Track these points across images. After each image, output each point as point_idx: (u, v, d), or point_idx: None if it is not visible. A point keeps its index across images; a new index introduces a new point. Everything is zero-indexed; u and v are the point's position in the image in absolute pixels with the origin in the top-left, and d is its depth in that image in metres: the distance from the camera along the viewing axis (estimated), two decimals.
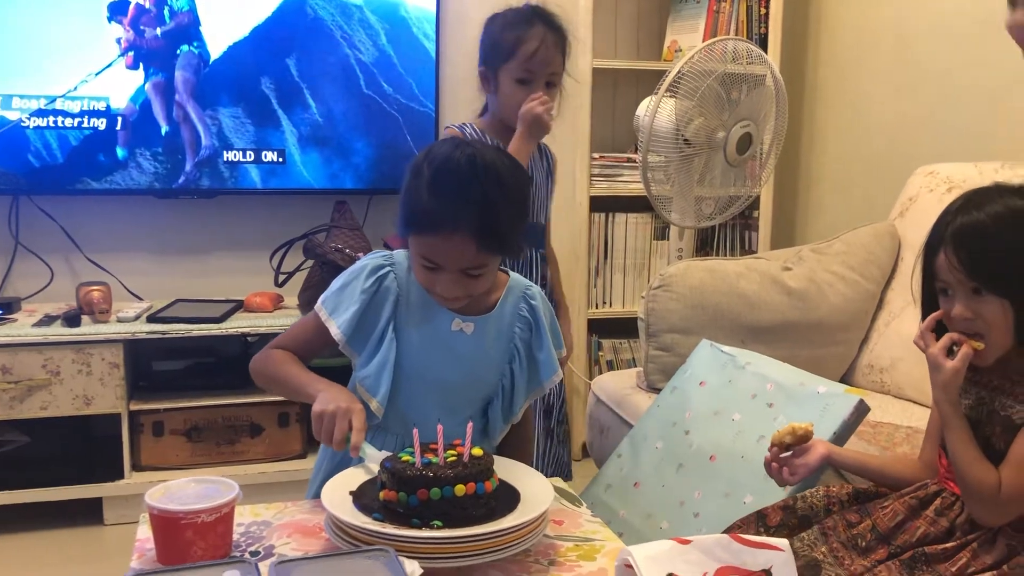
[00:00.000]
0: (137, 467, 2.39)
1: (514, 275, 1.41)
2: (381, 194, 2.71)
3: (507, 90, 1.81)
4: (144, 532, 1.17)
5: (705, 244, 2.99)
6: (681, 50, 2.82)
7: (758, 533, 1.36)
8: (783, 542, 0.89)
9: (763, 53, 2.39)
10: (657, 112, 2.29)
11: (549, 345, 1.37)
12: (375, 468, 1.19)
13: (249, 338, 2.51)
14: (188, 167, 2.58)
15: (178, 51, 2.53)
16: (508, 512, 1.11)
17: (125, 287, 2.62)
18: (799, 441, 1.37)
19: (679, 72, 2.26)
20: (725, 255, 2.95)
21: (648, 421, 1.82)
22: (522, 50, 1.78)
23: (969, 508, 1.26)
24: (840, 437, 1.49)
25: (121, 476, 2.35)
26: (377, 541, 1.04)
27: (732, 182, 2.46)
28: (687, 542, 0.86)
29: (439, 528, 1.07)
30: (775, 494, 1.46)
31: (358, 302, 1.31)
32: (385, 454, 1.19)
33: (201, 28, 2.54)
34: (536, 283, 1.50)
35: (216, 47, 2.55)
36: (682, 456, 1.68)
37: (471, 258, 1.24)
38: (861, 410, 1.51)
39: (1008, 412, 1.25)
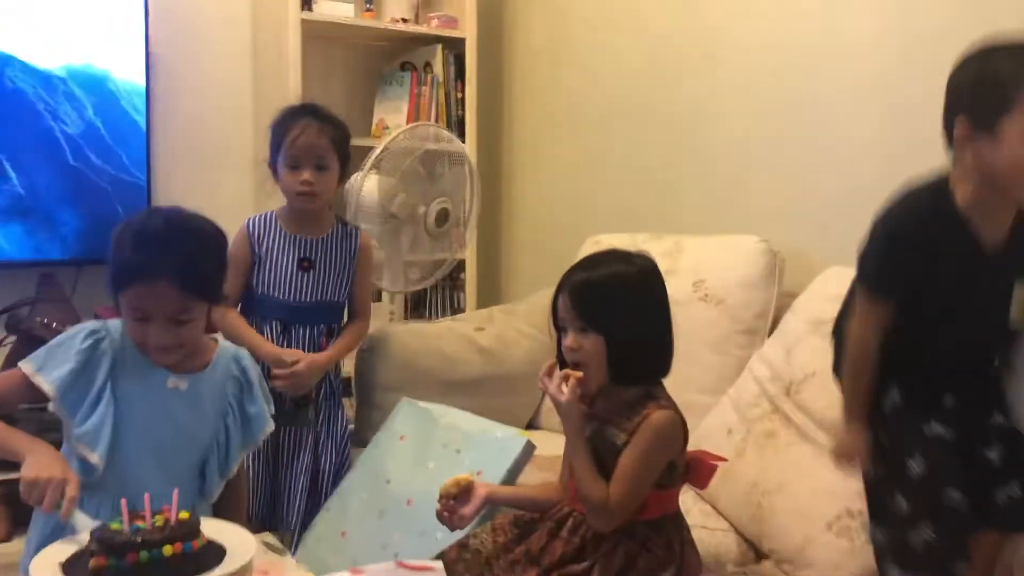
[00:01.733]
0: None
1: (223, 341, 1.56)
2: (91, 264, 2.69)
3: (282, 175, 2.07)
4: None
5: (418, 305, 3.23)
6: (388, 128, 3.07)
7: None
8: (437, 564, 1.10)
9: (453, 136, 2.69)
10: (364, 187, 2.51)
11: (261, 401, 1.53)
12: (86, 536, 1.27)
13: None
14: None
15: None
16: (214, 567, 1.25)
17: None
18: (463, 492, 1.60)
19: (383, 150, 2.49)
20: (436, 314, 3.21)
21: (355, 474, 2.00)
22: (288, 139, 2.03)
23: (588, 519, 1.53)
24: (513, 472, 1.76)
25: None
26: None
27: (436, 249, 2.73)
28: (361, 572, 1.05)
29: None
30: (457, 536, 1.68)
31: (73, 361, 1.40)
32: (97, 523, 1.28)
33: None
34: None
35: None
36: (383, 503, 1.87)
37: (176, 302, 1.39)
38: (528, 449, 1.79)
39: (614, 440, 1.55)
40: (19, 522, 2.29)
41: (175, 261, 1.37)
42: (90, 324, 1.46)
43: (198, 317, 1.44)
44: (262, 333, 2.08)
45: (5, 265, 2.59)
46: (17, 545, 1.53)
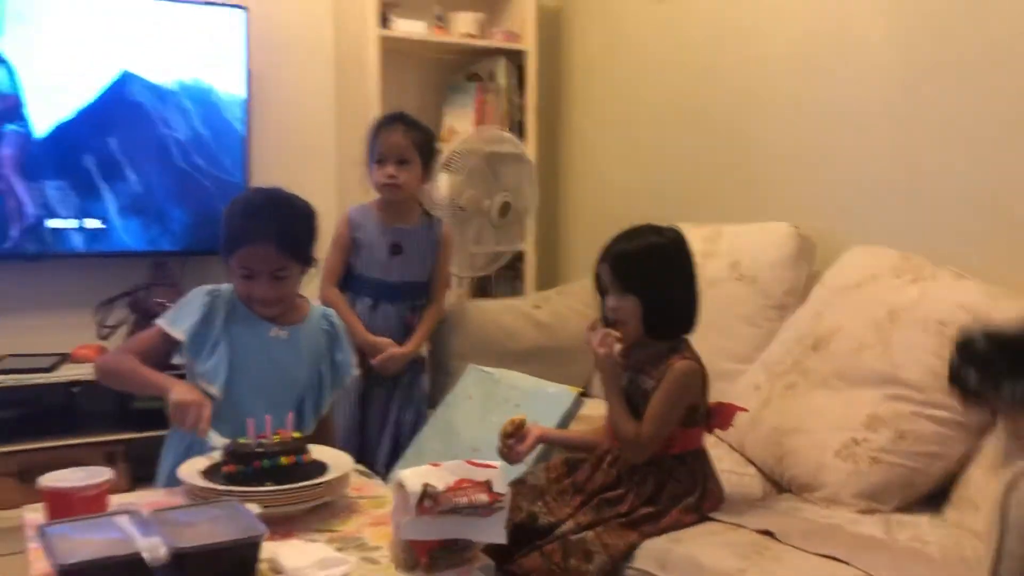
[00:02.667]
0: None
1: (314, 303, 1.89)
2: (196, 255, 3.06)
3: (372, 170, 2.43)
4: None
5: (484, 293, 3.52)
6: (456, 133, 3.38)
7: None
8: (498, 463, 1.39)
9: (514, 138, 2.98)
10: (436, 185, 2.83)
11: (348, 351, 1.85)
12: (218, 447, 1.58)
13: (74, 388, 2.77)
14: (13, 233, 2.83)
15: (2, 129, 2.81)
16: (319, 476, 1.56)
17: None
18: (518, 429, 1.89)
19: (451, 152, 2.81)
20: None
21: (429, 428, 2.31)
22: (378, 140, 2.41)
23: (623, 452, 1.81)
24: (564, 421, 2.04)
25: None
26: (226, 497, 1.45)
27: (498, 241, 3.03)
28: (438, 465, 1.34)
29: (270, 486, 1.50)
30: (515, 471, 1.97)
31: (197, 313, 1.75)
32: (226, 440, 1.60)
33: (25, 109, 2.83)
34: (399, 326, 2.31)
35: (42, 126, 2.84)
36: (454, 452, 2.16)
37: (275, 260, 1.73)
38: (578, 402, 2.07)
39: (644, 386, 1.82)
40: (137, 478, 2.65)
41: (274, 227, 1.73)
42: (207, 287, 1.80)
43: (293, 275, 1.78)
44: (355, 307, 2.42)
45: (126, 255, 2.97)
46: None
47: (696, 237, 2.64)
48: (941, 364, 1.80)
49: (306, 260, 1.81)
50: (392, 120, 2.44)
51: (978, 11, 2.17)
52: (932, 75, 2.28)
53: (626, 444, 1.79)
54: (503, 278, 3.50)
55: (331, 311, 1.92)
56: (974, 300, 1.86)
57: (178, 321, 1.76)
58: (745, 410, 1.89)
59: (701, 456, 1.85)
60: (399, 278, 2.47)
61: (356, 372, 1.91)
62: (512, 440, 1.89)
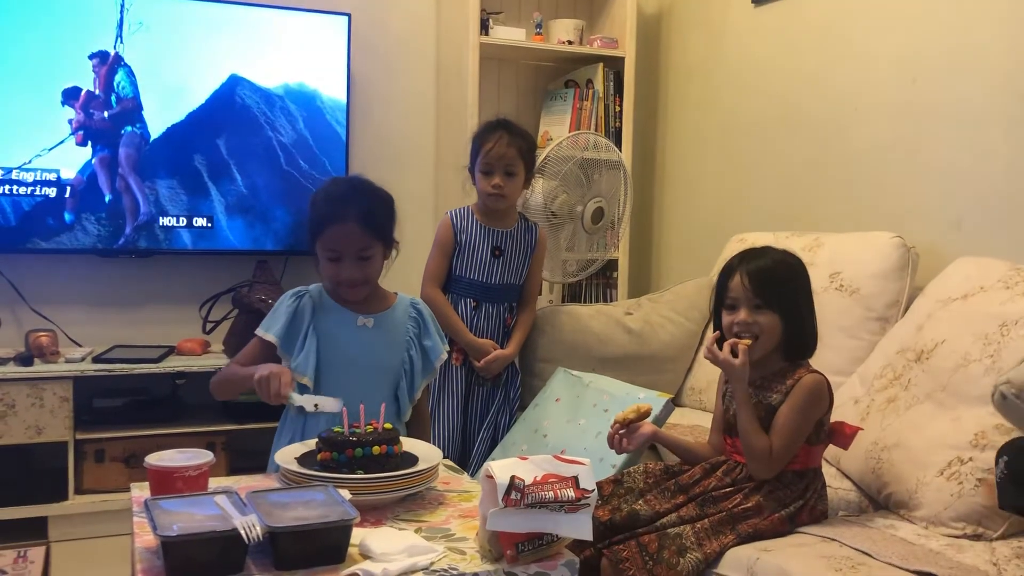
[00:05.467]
0: (79, 490, 2.72)
1: (402, 294, 1.93)
2: (297, 255, 3.15)
3: (478, 179, 2.47)
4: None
5: (575, 299, 3.53)
6: (552, 138, 3.39)
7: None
8: (586, 460, 1.38)
9: (610, 143, 2.98)
10: (531, 189, 2.84)
11: (435, 336, 1.88)
12: (307, 405, 1.65)
13: (178, 380, 2.89)
14: (128, 230, 2.97)
15: (122, 131, 2.95)
16: (409, 467, 1.58)
17: (67, 335, 2.97)
18: (640, 417, 1.89)
19: (545, 158, 2.82)
20: None
21: (516, 429, 2.32)
22: (483, 148, 2.43)
23: (750, 467, 1.79)
24: (657, 424, 2.01)
25: (65, 498, 2.67)
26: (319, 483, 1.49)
27: (590, 248, 3.03)
28: (526, 459, 1.35)
29: (361, 474, 1.53)
30: (607, 474, 1.96)
31: (284, 315, 1.82)
32: (308, 397, 1.66)
33: (143, 112, 2.97)
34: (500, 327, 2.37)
35: (156, 128, 2.98)
36: (540, 452, 2.16)
37: (360, 239, 1.79)
38: (669, 407, 2.05)
39: (769, 400, 1.80)
40: (236, 468, 2.74)
41: (357, 208, 1.80)
42: (293, 289, 1.89)
43: (377, 256, 1.84)
44: (458, 308, 2.46)
45: (231, 253, 3.08)
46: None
47: (796, 246, 2.59)
48: None
49: (388, 241, 1.87)
50: (496, 127, 2.47)
51: None
52: None
53: (756, 458, 1.77)
54: (596, 285, 3.50)
55: (418, 300, 1.97)
56: None
57: (270, 326, 1.84)
58: (861, 429, 1.84)
59: (818, 475, 1.83)
60: (500, 280, 2.50)
61: (444, 356, 1.94)
62: (625, 429, 1.88)
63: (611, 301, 3.51)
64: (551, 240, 2.91)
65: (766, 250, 1.89)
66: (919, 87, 2.52)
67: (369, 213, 1.81)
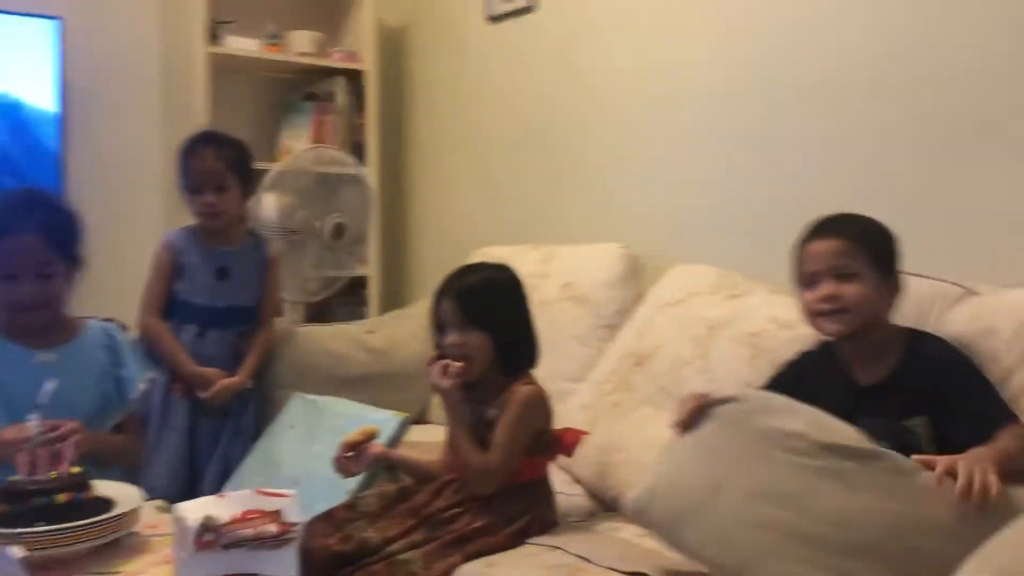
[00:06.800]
0: None
1: (93, 320, 1.76)
2: None
3: (189, 198, 2.31)
4: None
5: (323, 319, 3.41)
6: (292, 153, 3.28)
7: (326, 529, 1.79)
8: (290, 492, 1.31)
9: (349, 157, 2.92)
10: (263, 204, 2.72)
11: (132, 365, 1.73)
12: None
13: None
14: None
15: None
16: (101, 513, 1.43)
17: None
18: (368, 439, 1.83)
19: (280, 172, 2.71)
20: None
21: (250, 461, 2.20)
22: (190, 165, 2.28)
23: (471, 485, 1.78)
24: (392, 444, 1.97)
25: None
26: None
27: (337, 264, 2.94)
28: (223, 496, 1.25)
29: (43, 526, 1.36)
30: (340, 499, 1.89)
31: None
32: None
33: None
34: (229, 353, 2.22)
35: None
36: (276, 485, 2.03)
37: (41, 253, 1.61)
38: (404, 425, 2.01)
39: (489, 416, 1.80)
40: None
41: (36, 217, 1.63)
42: None
43: (59, 276, 1.65)
44: (180, 335, 2.29)
45: None
46: None
47: (532, 259, 2.65)
48: (756, 376, 1.84)
49: (73, 260, 1.69)
50: (201, 142, 2.31)
51: (794, 41, 2.26)
52: (748, 105, 2.36)
53: (474, 475, 1.75)
54: (345, 304, 3.41)
55: (111, 325, 1.79)
56: (787, 313, 1.90)
57: None
58: (587, 433, 1.88)
59: (545, 486, 1.83)
60: (226, 303, 2.35)
61: (143, 387, 1.78)
62: (353, 452, 1.81)
63: (362, 319, 3.44)
64: (292, 258, 2.80)
65: (473, 269, 1.90)
66: (642, 104, 2.65)
67: (50, 225, 1.63)
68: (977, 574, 1.07)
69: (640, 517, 1.56)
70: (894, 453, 1.35)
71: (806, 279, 1.62)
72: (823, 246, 1.59)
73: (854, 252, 1.56)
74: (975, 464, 1.30)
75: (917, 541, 1.29)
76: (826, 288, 1.57)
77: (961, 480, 1.28)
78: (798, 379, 1.67)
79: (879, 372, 1.58)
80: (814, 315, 1.61)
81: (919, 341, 1.59)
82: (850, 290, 1.55)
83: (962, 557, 1.11)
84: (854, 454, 1.35)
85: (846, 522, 1.31)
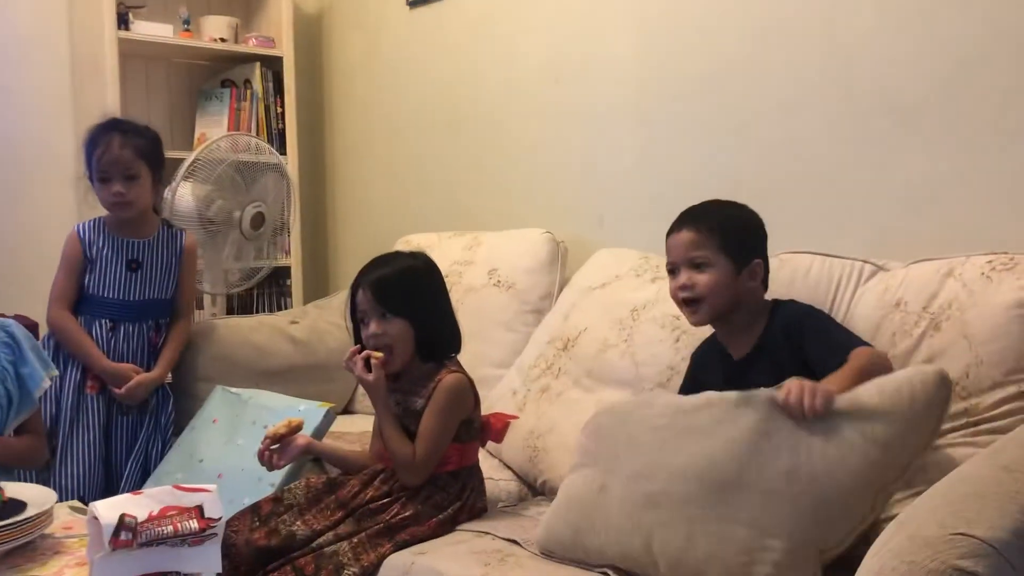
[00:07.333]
0: None
1: None
2: None
3: (96, 188, 2.23)
4: None
5: (245, 311, 3.35)
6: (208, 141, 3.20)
7: (252, 523, 1.76)
8: (212, 487, 1.28)
9: (267, 145, 2.85)
10: (178, 194, 2.64)
11: (32, 362, 1.66)
12: None
13: None
14: None
15: None
16: (14, 515, 1.38)
17: None
18: (292, 431, 1.80)
19: (195, 160, 2.64)
20: None
21: (170, 457, 2.14)
22: (95, 154, 2.19)
23: (400, 475, 1.77)
24: (316, 436, 1.94)
25: None
26: None
27: (254, 255, 2.88)
28: (140, 493, 1.22)
29: None
30: (265, 493, 1.86)
31: None
32: None
33: None
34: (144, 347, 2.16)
35: None
36: (196, 480, 2.00)
37: None
38: (329, 416, 1.99)
39: (416, 406, 1.79)
40: None
41: None
42: None
43: None
44: (92, 331, 2.21)
45: None
46: None
47: (457, 246, 2.65)
48: (678, 358, 1.87)
49: None
50: (108, 129, 2.23)
51: (707, 24, 2.29)
52: (669, 89, 2.39)
53: (402, 467, 1.74)
54: (268, 294, 3.35)
55: (9, 321, 1.72)
56: None
57: None
58: (516, 417, 1.88)
59: (475, 472, 1.84)
60: (140, 296, 2.28)
61: (47, 384, 1.72)
62: (277, 444, 1.79)
63: (285, 310, 3.38)
64: (210, 249, 2.73)
65: (388, 259, 1.89)
66: (561, 88, 2.65)
67: None
68: (986, 468, 1.15)
69: (548, 552, 1.58)
70: (737, 392, 1.44)
71: (668, 269, 1.71)
72: (679, 238, 1.68)
73: (706, 243, 1.64)
74: (805, 380, 1.38)
75: (770, 459, 1.35)
76: (682, 278, 1.65)
77: (783, 391, 1.37)
78: (700, 367, 1.77)
79: (748, 345, 1.66)
80: (677, 304, 1.69)
81: (777, 309, 1.67)
82: (702, 279, 1.63)
83: (814, 464, 1.28)
84: (704, 404, 1.46)
85: (712, 465, 1.38)
